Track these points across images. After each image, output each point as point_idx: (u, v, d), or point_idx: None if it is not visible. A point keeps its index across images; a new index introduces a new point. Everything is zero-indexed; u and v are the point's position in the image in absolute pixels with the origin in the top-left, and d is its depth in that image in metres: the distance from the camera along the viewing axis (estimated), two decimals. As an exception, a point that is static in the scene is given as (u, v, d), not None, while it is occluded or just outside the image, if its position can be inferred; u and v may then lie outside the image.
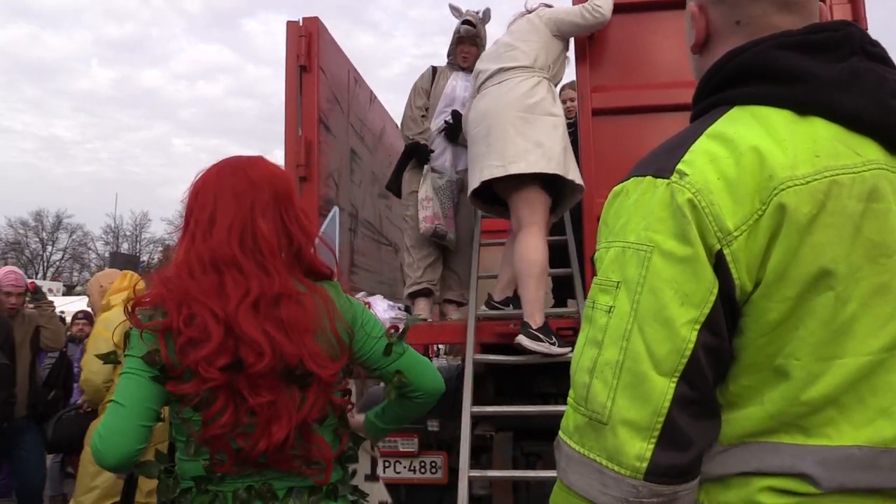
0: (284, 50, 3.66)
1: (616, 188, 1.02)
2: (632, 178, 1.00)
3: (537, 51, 3.50)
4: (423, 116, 4.09)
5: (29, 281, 5.33)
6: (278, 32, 3.69)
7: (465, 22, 4.10)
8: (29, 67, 62.12)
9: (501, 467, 3.37)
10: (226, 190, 1.55)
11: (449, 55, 4.24)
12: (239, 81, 66.11)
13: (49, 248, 41.61)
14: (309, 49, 3.62)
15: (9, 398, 4.29)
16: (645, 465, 0.88)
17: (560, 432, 0.97)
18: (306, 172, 3.57)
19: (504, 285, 3.67)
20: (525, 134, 3.31)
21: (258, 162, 1.63)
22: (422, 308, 3.93)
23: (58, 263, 41.08)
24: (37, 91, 62.11)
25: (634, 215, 0.96)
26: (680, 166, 0.94)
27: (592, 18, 3.53)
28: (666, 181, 0.94)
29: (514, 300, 3.54)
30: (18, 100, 61.82)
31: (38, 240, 40.72)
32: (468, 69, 4.14)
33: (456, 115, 4.04)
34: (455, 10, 4.18)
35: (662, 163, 0.97)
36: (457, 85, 4.15)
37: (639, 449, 0.88)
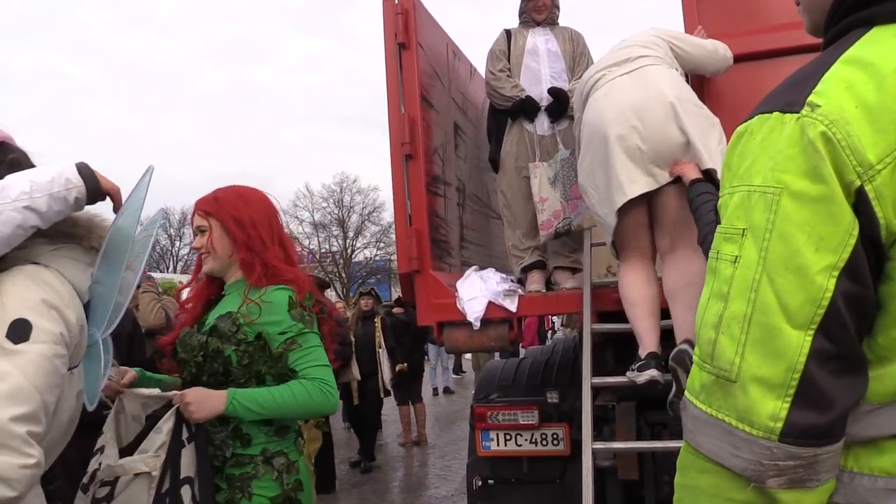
0: (382, 29, 3.67)
1: (739, 128, 0.94)
2: (756, 117, 0.91)
3: (664, 57, 3.16)
4: (508, 76, 3.95)
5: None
6: (380, 19, 3.67)
7: None
8: (149, 73, 65.88)
9: (625, 438, 3.29)
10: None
11: (521, 14, 4.10)
12: (344, 70, 67.52)
13: (177, 243, 44.11)
14: (406, 26, 3.60)
15: None
16: (780, 425, 0.82)
17: (686, 391, 0.92)
18: (411, 150, 3.57)
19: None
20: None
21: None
22: (536, 280, 3.85)
23: (185, 257, 43.61)
24: (158, 95, 65.80)
25: (760, 156, 0.88)
26: (811, 98, 0.85)
27: (725, 57, 3.26)
28: (795, 115, 0.85)
29: None
30: (141, 105, 65.69)
31: (166, 236, 43.30)
32: (544, 22, 4.02)
33: (556, 93, 3.89)
34: None
35: (791, 96, 0.88)
36: (536, 40, 4.00)
37: (772, 408, 0.81)
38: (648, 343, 2.92)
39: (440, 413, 11.52)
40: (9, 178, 1.54)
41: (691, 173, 2.79)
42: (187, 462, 1.95)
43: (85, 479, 1.96)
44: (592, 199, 3.09)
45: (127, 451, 2.04)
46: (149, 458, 1.91)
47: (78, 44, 65.01)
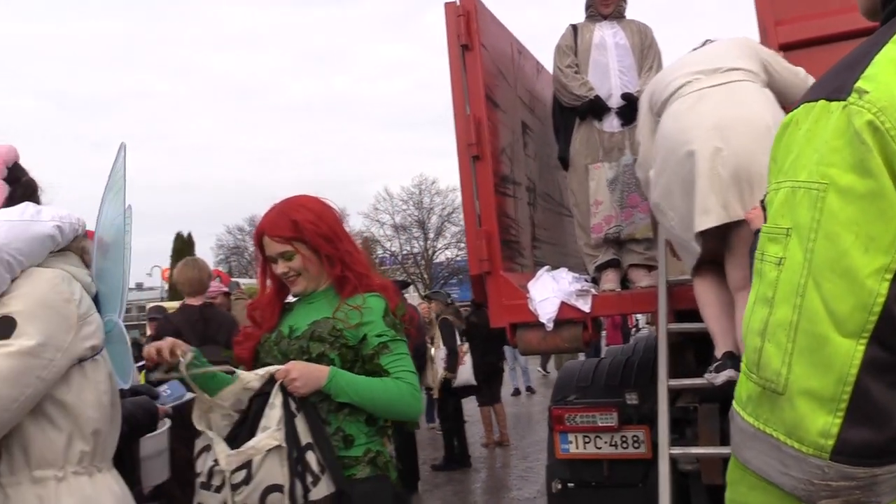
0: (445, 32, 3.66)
1: (785, 119, 0.86)
2: (802, 105, 0.84)
3: (760, 74, 2.90)
4: (576, 73, 3.87)
5: (217, 271, 5.86)
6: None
7: None
8: (235, 88, 68.41)
9: (708, 441, 3.15)
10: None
11: (588, 7, 4.01)
12: (422, 75, 68.38)
13: (264, 249, 45.41)
14: (468, 27, 3.58)
15: None
16: (831, 442, 0.75)
17: (734, 402, 0.85)
18: (478, 151, 3.55)
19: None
20: None
21: None
22: (610, 279, 3.77)
23: (273, 263, 44.86)
24: (244, 109, 68.23)
25: (805, 148, 0.80)
26: (859, 83, 0.77)
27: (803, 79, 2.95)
28: (842, 103, 0.78)
29: None
30: (230, 120, 68.30)
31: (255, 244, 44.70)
32: (611, 16, 3.92)
33: (628, 98, 3.80)
34: None
35: (838, 82, 0.81)
36: (604, 34, 3.91)
37: (823, 423, 0.75)
38: (724, 343, 2.79)
39: (522, 414, 11.44)
40: (43, 206, 1.69)
41: (759, 222, 2.55)
42: (302, 431, 2.02)
43: (202, 478, 2.02)
44: (671, 221, 2.88)
45: (231, 440, 2.09)
46: (274, 432, 1.98)
47: (167, 64, 68.18)
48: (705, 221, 2.64)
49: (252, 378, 2.11)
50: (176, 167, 66.35)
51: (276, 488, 1.95)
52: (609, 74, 3.85)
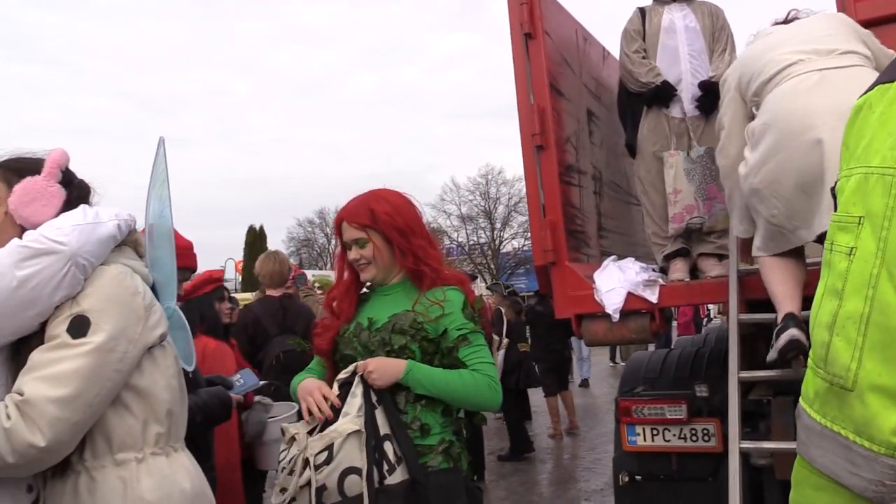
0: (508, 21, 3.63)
1: (857, 102, 0.82)
2: (876, 87, 0.79)
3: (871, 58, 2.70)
4: (643, 58, 3.79)
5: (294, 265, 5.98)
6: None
7: None
8: (305, 83, 69.68)
9: (782, 436, 3.05)
10: None
11: None
12: (488, 64, 68.20)
13: (333, 241, 46.14)
14: (531, 15, 3.54)
15: None
16: None
17: (800, 398, 0.82)
18: (542, 140, 3.51)
19: None
20: None
21: None
22: (679, 269, 3.68)
23: (342, 254, 45.53)
24: (315, 103, 69.44)
25: (879, 132, 0.76)
26: None
27: None
28: None
29: None
30: (299, 114, 69.64)
31: (323, 235, 45.45)
32: None
33: (706, 86, 3.69)
34: None
35: None
36: (673, 17, 3.80)
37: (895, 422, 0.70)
38: (786, 306, 2.64)
39: (589, 405, 11.33)
40: (97, 207, 1.79)
41: None
42: (381, 421, 2.11)
43: (287, 466, 2.12)
44: (774, 210, 2.64)
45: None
46: (354, 418, 2.07)
47: (240, 61, 69.95)
48: (824, 223, 2.37)
49: (341, 377, 2.20)
50: (248, 162, 68.00)
51: (355, 471, 2.04)
52: (679, 59, 3.76)
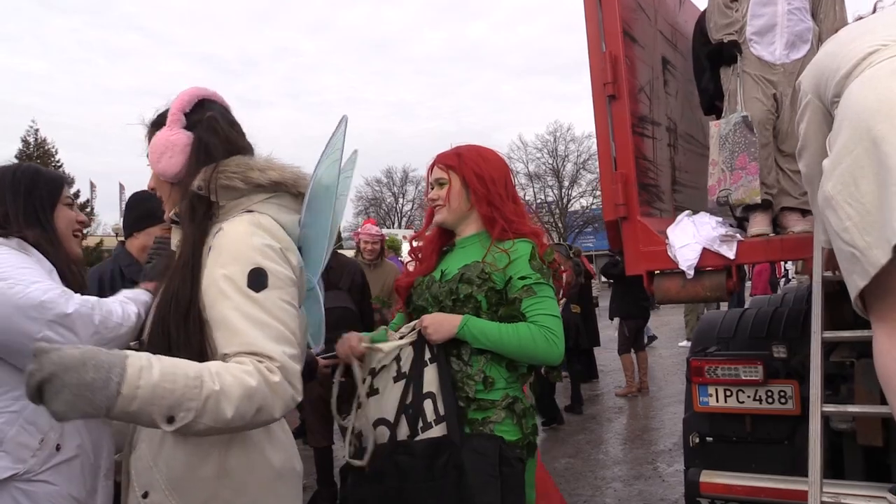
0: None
1: None
2: None
3: None
4: (728, 7, 3.56)
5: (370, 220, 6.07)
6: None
7: None
8: (373, 42, 69.64)
9: (865, 400, 2.90)
10: None
11: None
12: (558, 17, 66.63)
13: (400, 200, 46.49)
14: (605, -44, 3.37)
15: None
16: None
17: None
18: (614, 90, 3.36)
19: None
20: None
21: None
22: (759, 222, 3.47)
23: (409, 213, 45.82)
24: (382, 62, 69.34)
25: None
26: None
27: None
28: None
29: None
30: (369, 72, 69.69)
31: (391, 194, 45.75)
32: None
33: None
34: None
35: None
36: None
37: None
38: None
39: (662, 365, 11.15)
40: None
41: None
42: (430, 379, 2.13)
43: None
44: (846, 221, 2.13)
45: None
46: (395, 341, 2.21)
47: (309, 22, 70.24)
48: None
49: (403, 331, 2.24)
50: (318, 122, 68.79)
51: (384, 422, 2.11)
52: (776, 0, 3.52)
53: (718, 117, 3.79)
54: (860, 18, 2.71)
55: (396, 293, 2.46)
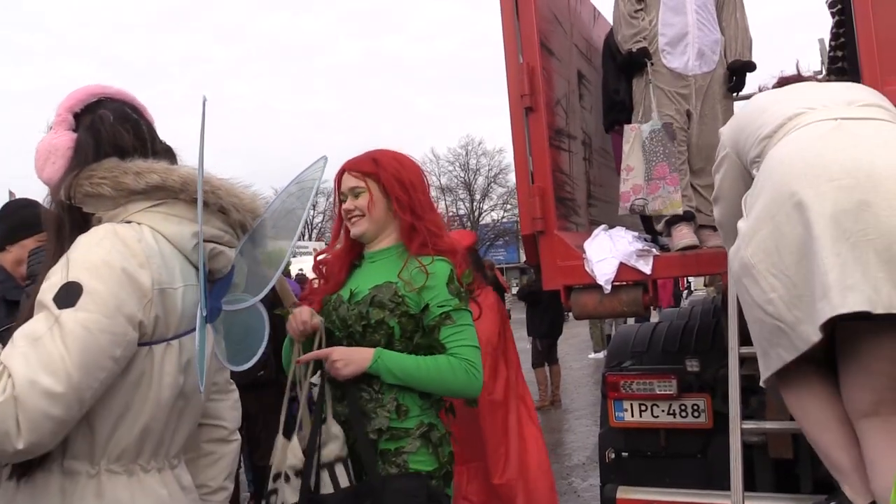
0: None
1: None
2: None
3: None
4: (633, 17, 3.57)
5: None
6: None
7: None
8: (288, 50, 68.88)
9: (776, 414, 2.93)
10: None
11: None
12: (475, 33, 67.65)
13: (311, 211, 45.77)
14: (521, -33, 3.32)
15: None
16: None
17: None
18: (531, 102, 3.31)
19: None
20: None
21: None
22: (685, 234, 3.41)
23: (320, 225, 45.18)
24: (297, 71, 68.59)
25: None
26: None
27: None
28: None
29: None
30: (283, 81, 68.83)
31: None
32: None
33: (737, 67, 3.56)
34: None
35: None
36: None
37: None
38: (856, 488, 2.00)
39: (573, 378, 11.29)
40: None
41: None
42: (335, 433, 1.97)
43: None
44: (770, 293, 2.02)
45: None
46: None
47: (221, 28, 68.74)
48: (848, 302, 1.80)
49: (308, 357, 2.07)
50: (232, 130, 67.22)
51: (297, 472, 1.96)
52: (685, 9, 3.55)
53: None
54: (764, 90, 2.65)
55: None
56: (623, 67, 3.66)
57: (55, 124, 1.50)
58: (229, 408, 1.74)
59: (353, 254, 2.24)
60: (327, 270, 2.25)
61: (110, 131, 1.49)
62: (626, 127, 3.47)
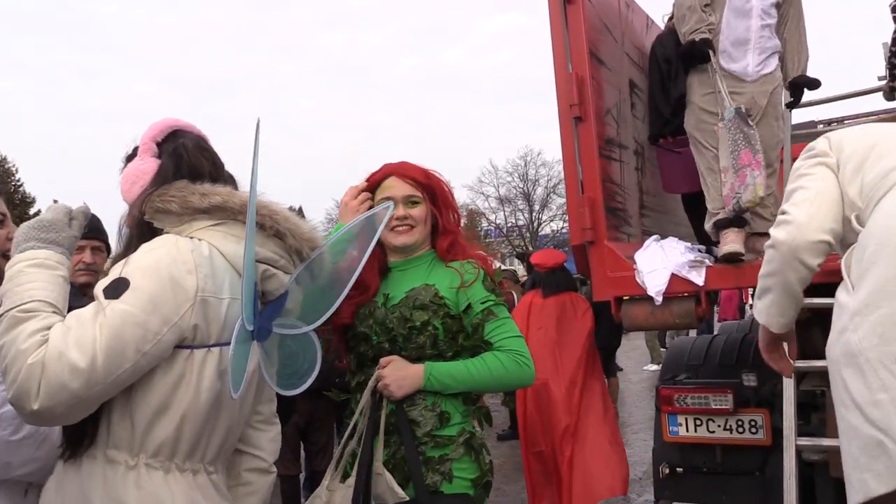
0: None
1: None
2: None
3: None
4: (704, 9, 3.47)
5: None
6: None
7: None
8: (349, 65, 70.27)
9: (837, 432, 2.81)
10: None
11: None
12: (533, 44, 67.71)
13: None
14: (570, -23, 3.31)
15: None
16: None
17: None
18: (581, 112, 3.29)
19: None
20: None
21: None
22: (731, 240, 3.26)
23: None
24: (357, 85, 69.93)
25: None
26: None
27: None
28: None
29: None
30: (343, 95, 70.22)
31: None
32: None
33: (798, 86, 3.50)
34: None
35: None
36: None
37: None
38: None
39: (631, 390, 11.09)
40: None
41: None
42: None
43: None
44: (880, 393, 1.54)
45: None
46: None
47: (285, 44, 70.64)
48: None
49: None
50: (291, 144, 68.78)
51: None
52: (749, 13, 3.47)
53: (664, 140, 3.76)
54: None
55: (334, 327, 2.20)
56: (683, 57, 3.56)
57: (141, 152, 1.66)
58: (269, 440, 1.80)
59: (382, 261, 2.21)
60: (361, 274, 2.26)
61: (191, 158, 1.65)
62: (716, 127, 3.34)
